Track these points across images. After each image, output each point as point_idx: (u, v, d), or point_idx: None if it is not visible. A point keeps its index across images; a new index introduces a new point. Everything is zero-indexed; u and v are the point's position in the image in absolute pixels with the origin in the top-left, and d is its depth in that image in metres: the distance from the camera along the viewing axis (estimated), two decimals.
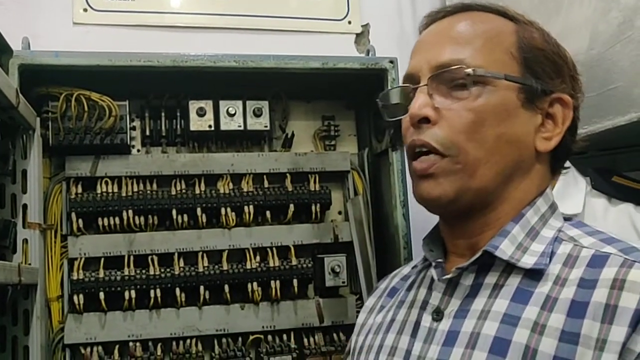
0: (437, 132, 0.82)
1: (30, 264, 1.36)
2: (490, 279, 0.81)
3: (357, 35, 2.04)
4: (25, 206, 1.38)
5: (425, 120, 0.83)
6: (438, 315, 0.83)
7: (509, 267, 0.81)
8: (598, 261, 0.75)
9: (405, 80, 0.89)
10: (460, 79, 0.82)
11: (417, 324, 0.86)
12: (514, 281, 0.79)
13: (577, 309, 0.72)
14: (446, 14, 0.90)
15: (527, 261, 0.79)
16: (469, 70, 0.81)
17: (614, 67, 1.28)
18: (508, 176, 0.83)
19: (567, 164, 1.31)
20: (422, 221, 1.68)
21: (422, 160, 0.84)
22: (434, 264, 0.87)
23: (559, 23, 1.44)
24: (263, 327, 1.64)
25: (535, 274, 0.78)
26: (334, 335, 1.69)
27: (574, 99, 0.87)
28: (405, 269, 1.04)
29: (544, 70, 0.84)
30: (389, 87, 1.62)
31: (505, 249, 0.81)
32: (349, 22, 2.03)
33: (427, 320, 0.85)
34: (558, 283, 0.76)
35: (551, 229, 0.84)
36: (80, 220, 1.57)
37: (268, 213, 1.69)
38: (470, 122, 0.81)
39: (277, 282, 1.65)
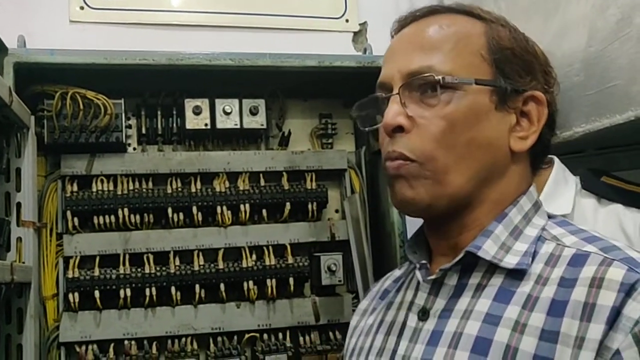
0: (410, 141, 0.82)
1: (24, 263, 1.36)
2: (474, 279, 0.81)
3: (355, 33, 2.03)
4: (19, 204, 1.38)
5: (399, 129, 0.83)
6: (424, 315, 0.83)
7: (492, 267, 0.81)
8: (578, 260, 0.75)
9: (378, 89, 0.89)
10: (430, 86, 0.81)
11: (404, 324, 0.86)
12: (496, 281, 0.79)
13: (557, 308, 0.72)
14: (415, 18, 0.89)
15: (510, 261, 0.79)
16: (438, 78, 0.80)
17: (612, 65, 1.26)
18: (482, 179, 0.83)
19: (555, 160, 1.31)
20: (418, 220, 1.68)
21: (393, 162, 0.84)
22: (418, 265, 0.87)
23: (557, 20, 1.43)
24: (259, 325, 1.63)
25: (517, 274, 0.78)
26: (330, 333, 1.68)
27: (547, 94, 0.86)
28: (398, 271, 1.04)
29: (514, 69, 0.84)
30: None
31: (488, 249, 0.80)
32: (347, 21, 2.02)
33: (413, 320, 0.85)
34: (540, 282, 0.76)
35: (535, 228, 0.84)
36: (75, 219, 1.57)
37: (264, 211, 1.68)
38: (441, 129, 0.81)
39: (273, 280, 1.64)
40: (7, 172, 1.38)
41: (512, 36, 0.86)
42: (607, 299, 0.69)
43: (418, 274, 0.86)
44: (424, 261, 0.87)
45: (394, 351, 0.85)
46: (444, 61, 0.82)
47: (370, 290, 1.08)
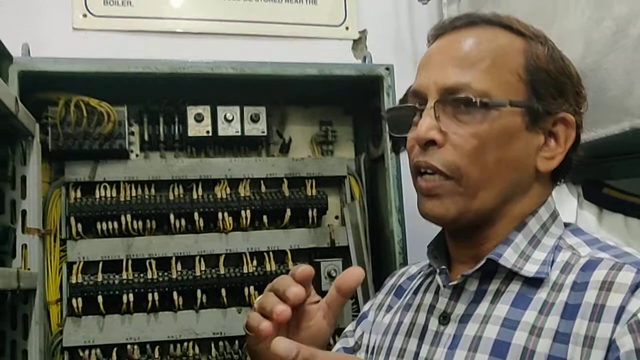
0: (443, 155, 0.83)
1: (29, 269, 1.38)
2: (493, 285, 0.84)
3: (355, 41, 2.05)
4: (24, 212, 1.39)
5: (432, 142, 0.84)
6: (445, 319, 0.86)
7: (511, 274, 0.83)
8: (590, 265, 0.78)
9: (411, 96, 0.90)
10: (465, 104, 0.83)
11: (425, 328, 0.89)
12: (514, 287, 0.82)
13: (570, 311, 0.75)
14: (454, 28, 0.89)
15: (529, 269, 0.82)
16: (475, 100, 0.82)
17: (608, 77, 1.28)
18: (508, 196, 0.86)
19: None
20: (417, 227, 1.69)
21: (426, 179, 0.85)
22: (438, 270, 0.89)
23: (555, 30, 1.44)
24: None
25: (535, 281, 0.81)
26: (330, 339, 1.69)
27: (577, 116, 0.87)
28: (413, 268, 1.06)
29: (548, 91, 0.84)
30: (385, 94, 1.64)
31: (508, 257, 0.83)
32: (347, 28, 2.03)
33: (434, 324, 0.87)
34: (555, 289, 0.79)
35: (552, 237, 0.87)
36: (79, 225, 1.59)
37: (265, 218, 1.70)
38: (474, 147, 0.82)
39: None
40: (12, 180, 1.39)
41: (550, 55, 0.86)
42: (615, 300, 0.73)
43: (439, 278, 0.89)
44: (444, 266, 0.89)
45: (416, 353, 0.87)
46: (480, 79, 0.83)
47: (385, 283, 1.10)
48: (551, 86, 0.85)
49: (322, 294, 1.65)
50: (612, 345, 0.70)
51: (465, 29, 0.88)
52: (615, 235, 1.24)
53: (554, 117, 0.85)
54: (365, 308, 1.09)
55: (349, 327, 1.11)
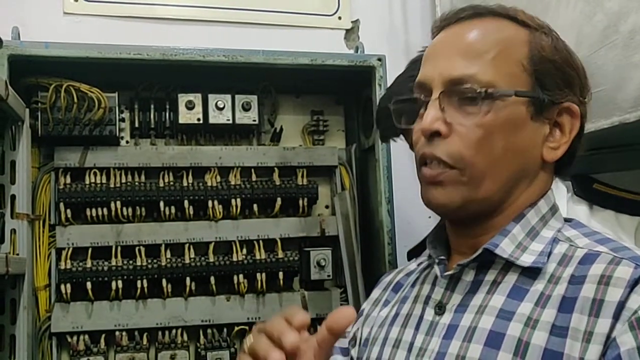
0: (448, 146, 0.83)
1: (18, 254, 1.37)
2: (490, 276, 0.84)
3: (347, 31, 2.05)
4: (13, 197, 1.39)
5: (437, 134, 0.84)
6: (440, 309, 0.86)
7: (508, 265, 0.83)
8: (589, 259, 0.78)
9: (417, 87, 0.90)
10: (470, 96, 0.83)
11: (421, 318, 0.89)
12: (511, 278, 0.82)
13: (567, 304, 0.75)
14: (458, 20, 0.89)
15: (526, 260, 0.82)
16: (481, 90, 0.82)
17: (598, 71, 1.29)
18: (512, 186, 0.86)
19: None
20: (406, 217, 1.72)
21: (431, 167, 0.85)
22: (437, 260, 0.90)
23: (547, 24, 1.46)
24: (248, 318, 1.66)
25: (532, 272, 0.81)
26: (318, 327, 1.69)
27: (581, 106, 0.87)
28: (411, 266, 1.06)
29: (553, 81, 0.85)
30: (377, 85, 1.64)
31: (505, 247, 0.83)
32: (339, 18, 2.03)
33: (429, 313, 0.87)
34: (552, 281, 0.79)
35: (551, 230, 0.87)
36: (68, 211, 1.58)
37: (255, 206, 1.70)
38: (479, 137, 0.82)
39: (263, 274, 1.66)
40: (1, 165, 1.39)
41: (554, 46, 0.86)
42: (614, 295, 0.72)
43: (437, 268, 0.89)
44: (442, 257, 0.90)
45: (411, 343, 0.87)
46: (485, 70, 0.83)
47: (381, 280, 1.10)
48: (556, 76, 0.85)
49: (312, 282, 1.69)
50: (611, 343, 0.70)
51: (470, 21, 0.88)
52: (607, 232, 1.25)
53: (559, 107, 0.86)
54: (362, 307, 1.09)
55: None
